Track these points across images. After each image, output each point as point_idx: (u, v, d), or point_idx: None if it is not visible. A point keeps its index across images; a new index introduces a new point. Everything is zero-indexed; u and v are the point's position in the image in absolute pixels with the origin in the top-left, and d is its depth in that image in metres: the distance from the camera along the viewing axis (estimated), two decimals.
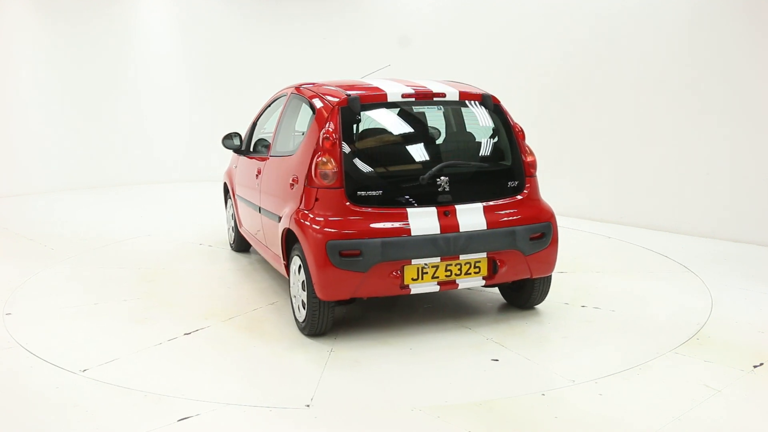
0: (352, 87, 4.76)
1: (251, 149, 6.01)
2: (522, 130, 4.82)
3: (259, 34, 11.60)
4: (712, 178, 7.34)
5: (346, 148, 4.35)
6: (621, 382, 3.84)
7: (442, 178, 4.39)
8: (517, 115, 8.91)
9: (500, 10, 9.10)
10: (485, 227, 4.39)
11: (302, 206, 4.42)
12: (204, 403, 3.60)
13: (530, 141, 8.79)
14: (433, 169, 4.40)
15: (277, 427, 3.40)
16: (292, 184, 4.63)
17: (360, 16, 10.90)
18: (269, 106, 6.02)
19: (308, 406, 3.59)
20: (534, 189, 4.71)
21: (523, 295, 4.94)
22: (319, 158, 4.31)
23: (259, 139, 5.97)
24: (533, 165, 4.74)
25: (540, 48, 8.71)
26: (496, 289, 5.26)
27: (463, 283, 4.42)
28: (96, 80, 10.66)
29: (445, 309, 5.06)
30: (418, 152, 4.70)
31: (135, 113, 11.18)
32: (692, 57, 7.38)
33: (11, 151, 9.97)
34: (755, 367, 4.05)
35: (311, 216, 4.30)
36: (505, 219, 4.49)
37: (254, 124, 6.15)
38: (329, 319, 4.41)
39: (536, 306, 5.02)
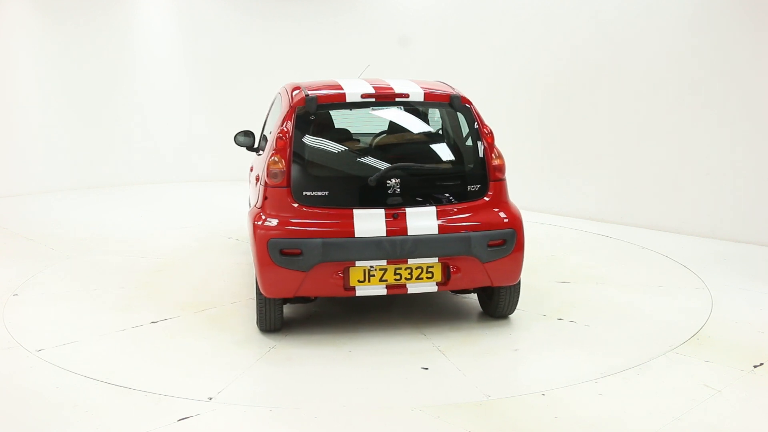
0: (321, 87, 4.73)
1: (258, 147, 6.03)
2: (491, 133, 4.61)
3: (260, 34, 11.59)
4: (712, 178, 7.34)
5: (297, 148, 4.36)
6: (621, 382, 3.85)
7: (393, 180, 4.29)
8: (517, 115, 8.98)
9: (501, 9, 9.10)
10: (436, 232, 4.25)
11: (258, 204, 4.52)
12: (204, 403, 3.61)
13: (531, 141, 8.90)
14: (381, 170, 4.30)
15: (277, 427, 3.40)
16: (256, 182, 4.76)
17: (360, 17, 10.90)
18: (273, 103, 6.05)
19: (210, 399, 3.67)
20: (499, 194, 4.52)
21: (491, 304, 4.76)
22: (271, 157, 4.36)
23: (262, 136, 5.99)
24: (500, 169, 4.54)
25: (541, 48, 8.71)
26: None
27: (414, 288, 4.31)
28: (96, 80, 10.64)
29: (414, 314, 4.94)
30: (370, 153, 4.66)
31: (135, 113, 11.17)
32: (693, 57, 7.37)
33: (11, 151, 9.96)
34: (755, 367, 4.05)
35: (260, 214, 4.36)
36: (460, 224, 4.32)
37: (264, 122, 6.19)
38: (277, 315, 4.46)
39: (509, 316, 4.82)
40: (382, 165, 4.36)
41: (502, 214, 4.45)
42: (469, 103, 4.67)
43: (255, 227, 4.30)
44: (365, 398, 3.72)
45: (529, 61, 8.83)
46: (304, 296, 4.38)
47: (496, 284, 4.45)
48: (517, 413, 3.50)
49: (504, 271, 4.42)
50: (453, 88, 4.84)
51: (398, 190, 4.29)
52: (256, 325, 4.65)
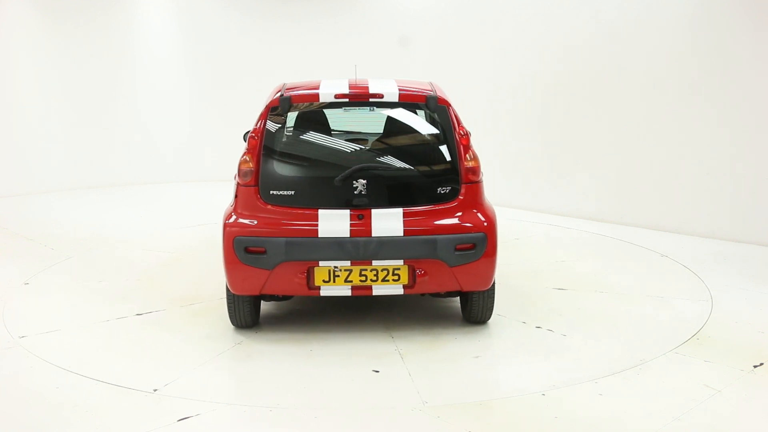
0: (303, 87, 4.74)
1: None
2: (467, 134, 4.49)
3: (260, 34, 11.59)
4: (712, 178, 7.34)
5: (267, 148, 4.40)
6: (621, 382, 3.85)
7: (359, 181, 4.26)
8: (518, 115, 8.98)
9: (501, 9, 9.10)
10: (401, 234, 4.20)
11: (231, 202, 4.54)
12: (204, 403, 3.61)
13: (531, 141, 8.90)
14: (347, 171, 4.28)
15: (277, 427, 3.40)
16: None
17: (360, 17, 10.90)
18: None
19: (155, 390, 3.75)
20: (472, 196, 4.41)
21: (466, 309, 4.68)
22: (242, 157, 4.41)
23: None
24: (473, 171, 4.42)
25: (541, 48, 8.71)
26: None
27: (379, 290, 4.27)
28: (96, 80, 10.64)
29: (391, 316, 4.89)
30: (338, 154, 4.66)
31: (135, 113, 11.17)
32: (693, 57, 7.37)
33: (11, 150, 9.96)
34: (755, 367, 4.05)
35: (231, 212, 4.41)
36: (427, 226, 4.25)
37: None
38: (247, 312, 4.51)
39: (487, 321, 4.71)
40: (350, 165, 4.34)
41: (471, 218, 4.34)
42: (447, 104, 4.56)
43: (224, 225, 4.35)
44: (298, 398, 3.73)
45: (529, 62, 8.83)
46: (275, 294, 4.41)
47: (465, 289, 4.37)
48: (517, 413, 3.50)
49: (474, 276, 4.31)
50: (434, 89, 4.71)
51: (364, 191, 4.26)
52: (243, 320, 4.71)
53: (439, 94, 4.64)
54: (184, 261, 6.37)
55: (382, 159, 4.50)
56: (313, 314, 4.95)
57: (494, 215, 4.49)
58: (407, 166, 4.48)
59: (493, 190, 8.72)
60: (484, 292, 4.48)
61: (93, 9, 10.55)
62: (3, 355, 4.26)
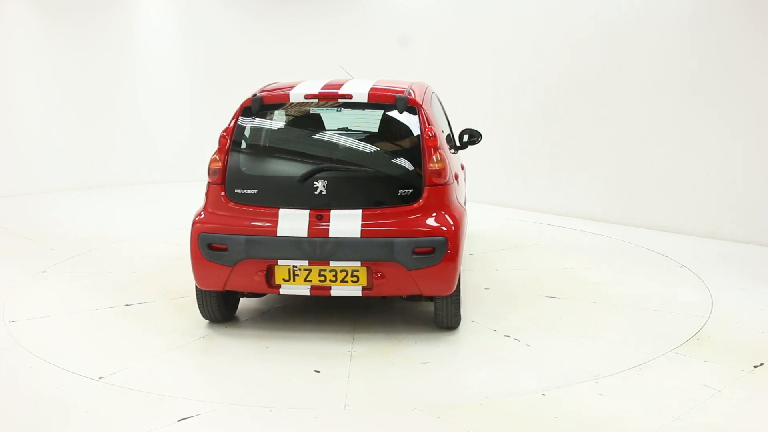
0: (282, 87, 4.79)
1: None
2: (434, 136, 4.41)
3: (260, 34, 11.59)
4: (712, 178, 7.34)
5: (235, 147, 4.49)
6: (621, 382, 3.85)
7: (321, 181, 4.28)
8: (518, 115, 8.98)
9: (502, 10, 9.10)
10: (359, 235, 4.17)
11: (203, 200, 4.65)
12: (204, 403, 3.61)
13: (532, 141, 8.90)
14: (307, 171, 4.31)
15: (277, 427, 3.40)
16: None
17: (360, 17, 10.90)
18: None
19: (101, 378, 3.89)
20: (436, 200, 4.31)
21: (434, 314, 4.61)
22: (213, 155, 4.50)
23: None
24: (438, 174, 4.33)
25: (542, 48, 8.71)
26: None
27: (338, 291, 4.27)
28: (96, 80, 10.65)
29: (365, 317, 4.86)
30: (302, 154, 4.66)
31: (135, 113, 11.18)
32: (693, 57, 7.38)
33: (11, 151, 9.96)
34: (755, 367, 4.05)
35: (201, 210, 4.53)
36: (384, 229, 4.20)
37: None
38: (215, 306, 4.61)
39: (457, 327, 4.63)
40: (313, 166, 4.36)
41: (432, 221, 4.25)
42: (418, 105, 4.50)
43: (192, 222, 4.47)
44: (224, 395, 3.79)
45: (530, 62, 8.83)
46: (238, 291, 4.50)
47: (426, 294, 4.29)
48: (518, 413, 3.50)
49: (433, 281, 4.22)
50: (412, 91, 4.63)
51: (325, 191, 4.26)
52: (212, 315, 4.81)
53: (413, 95, 4.56)
54: (184, 259, 6.37)
55: (344, 159, 4.51)
56: (291, 312, 5.00)
57: (461, 219, 4.40)
58: (369, 167, 4.45)
59: (494, 190, 8.81)
60: (447, 297, 4.39)
61: (93, 9, 10.55)
62: (3, 355, 4.26)
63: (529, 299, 5.26)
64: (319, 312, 4.97)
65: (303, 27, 11.30)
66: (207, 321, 4.76)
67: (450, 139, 6.06)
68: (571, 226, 7.84)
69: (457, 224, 4.33)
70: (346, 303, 5.05)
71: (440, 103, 6.05)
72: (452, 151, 5.88)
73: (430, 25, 9.91)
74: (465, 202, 6.79)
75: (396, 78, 5.74)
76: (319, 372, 4.01)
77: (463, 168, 6.93)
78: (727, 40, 7.08)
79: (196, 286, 4.51)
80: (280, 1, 11.51)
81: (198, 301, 4.63)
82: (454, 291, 4.36)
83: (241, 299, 5.00)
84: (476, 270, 6.02)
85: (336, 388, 3.80)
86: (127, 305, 5.14)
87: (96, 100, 10.69)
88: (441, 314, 4.50)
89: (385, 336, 4.53)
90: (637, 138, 7.93)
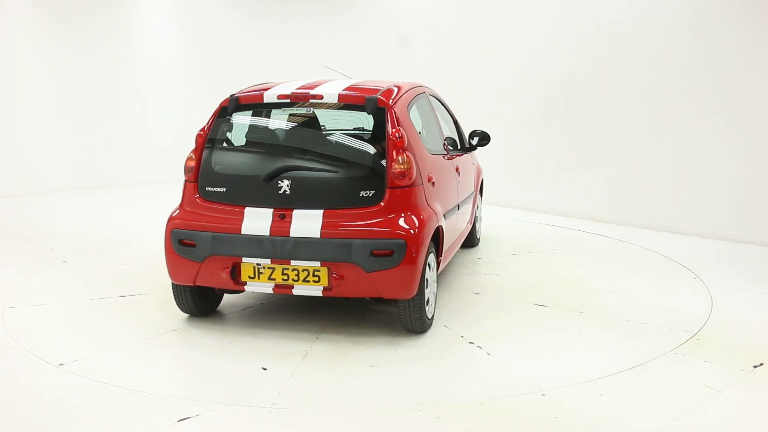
0: (262, 88, 4.85)
1: None
2: (401, 137, 4.35)
3: (259, 34, 11.59)
4: (712, 178, 7.34)
5: (209, 146, 4.61)
6: (621, 382, 3.85)
7: (285, 181, 4.32)
8: (518, 116, 8.97)
9: (504, 10, 9.10)
10: (318, 235, 4.19)
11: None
12: (204, 403, 3.61)
13: (533, 141, 8.89)
14: (271, 171, 4.35)
15: (277, 427, 3.40)
16: None
17: (360, 17, 10.90)
18: None
19: (61, 364, 4.05)
20: (399, 202, 4.27)
21: (398, 317, 4.54)
22: (189, 154, 4.63)
23: None
24: (402, 176, 4.28)
25: (541, 49, 8.71)
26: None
27: (300, 290, 4.31)
28: (96, 80, 10.65)
29: (340, 317, 4.87)
30: (270, 154, 4.70)
31: (135, 113, 11.18)
32: (693, 58, 7.38)
33: (11, 151, 9.96)
34: (755, 367, 4.05)
35: (177, 207, 4.65)
36: (343, 229, 4.19)
37: None
38: (189, 300, 4.71)
39: (426, 332, 4.56)
40: (279, 165, 4.40)
41: (393, 223, 4.21)
42: (388, 106, 4.47)
43: (168, 218, 4.60)
44: (164, 387, 3.84)
45: (531, 62, 8.83)
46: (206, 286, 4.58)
47: (386, 296, 4.26)
48: (517, 413, 3.50)
49: (392, 284, 4.20)
50: (382, 93, 4.57)
51: (289, 191, 4.31)
52: (189, 308, 4.91)
53: (384, 97, 4.51)
54: None
55: (308, 160, 4.53)
56: (271, 309, 5.07)
57: (425, 223, 4.34)
58: (333, 167, 4.45)
59: (495, 190, 8.79)
60: (409, 301, 4.33)
61: (93, 9, 10.55)
62: (3, 355, 4.26)
63: (516, 307, 5.10)
64: (299, 310, 5.00)
65: (303, 27, 11.30)
66: (187, 315, 4.87)
67: (453, 140, 6.05)
68: (571, 226, 7.84)
69: (421, 227, 4.28)
70: (329, 302, 5.08)
71: (442, 104, 6.02)
72: (456, 152, 5.86)
73: (432, 25, 9.91)
74: (478, 207, 6.74)
75: (394, 78, 5.72)
76: (265, 369, 4.04)
77: (479, 172, 6.84)
78: (727, 41, 7.08)
79: (171, 281, 4.66)
80: (280, 2, 11.51)
81: (174, 295, 4.75)
82: (416, 295, 4.31)
83: (226, 295, 5.08)
84: (477, 274, 5.98)
85: (271, 386, 3.81)
86: (121, 296, 5.33)
87: (96, 100, 10.69)
88: (404, 318, 4.44)
89: (349, 337, 4.52)
90: (638, 138, 7.93)
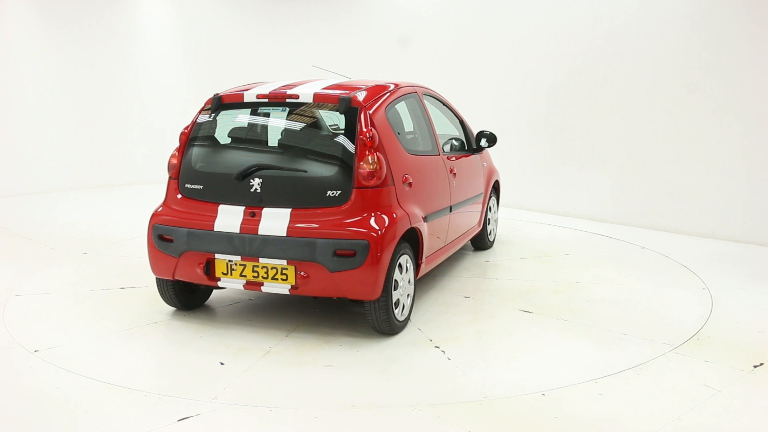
0: (247, 87, 4.94)
1: None
2: (371, 137, 4.33)
3: (260, 35, 11.60)
4: (712, 178, 7.34)
5: (190, 144, 4.73)
6: (621, 382, 3.85)
7: (256, 179, 4.40)
8: (518, 116, 8.98)
9: (507, 11, 9.11)
10: (284, 234, 4.23)
11: None
12: (204, 403, 3.61)
13: (535, 142, 8.90)
14: (242, 170, 4.43)
15: (277, 427, 3.40)
16: None
17: (360, 17, 10.90)
18: None
19: (36, 351, 4.24)
20: (367, 202, 4.26)
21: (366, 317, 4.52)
22: (173, 152, 4.76)
23: None
24: (369, 176, 4.28)
25: (542, 49, 8.72)
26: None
27: (269, 288, 4.36)
28: (96, 80, 10.66)
29: (319, 316, 4.89)
30: (244, 153, 4.75)
31: (135, 113, 11.19)
32: (693, 58, 7.38)
33: (11, 151, 9.97)
34: (755, 367, 4.05)
35: (162, 203, 4.79)
36: (308, 229, 4.22)
37: None
38: (171, 293, 4.84)
39: (396, 334, 4.53)
40: (251, 164, 4.48)
41: (358, 224, 4.21)
42: (361, 106, 4.46)
43: (151, 214, 4.73)
44: (115, 376, 3.92)
45: (533, 63, 8.84)
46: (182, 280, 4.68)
47: (350, 297, 4.27)
48: (517, 413, 3.50)
49: (355, 284, 4.20)
50: (358, 93, 4.56)
51: (260, 189, 4.39)
52: (172, 302, 4.99)
53: (359, 97, 4.50)
54: None
55: (279, 159, 4.58)
56: (258, 306, 5.13)
57: (394, 224, 4.31)
58: (302, 167, 4.44)
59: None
60: (374, 302, 4.32)
61: (93, 10, 10.56)
62: (3, 355, 4.26)
63: (500, 312, 4.98)
64: (282, 307, 5.05)
65: (304, 27, 11.31)
66: (174, 308, 4.99)
67: (460, 141, 6.02)
68: (572, 226, 7.84)
69: (387, 229, 4.25)
70: (315, 301, 5.14)
71: (445, 105, 5.97)
72: (459, 153, 5.84)
73: (433, 26, 9.91)
74: (490, 209, 6.64)
75: (394, 78, 5.72)
76: (223, 364, 4.09)
77: (491, 173, 6.67)
78: (727, 42, 7.09)
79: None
80: (281, 3, 11.51)
81: (158, 289, 4.88)
82: (381, 297, 4.29)
83: (220, 290, 5.17)
84: (477, 277, 5.90)
85: (220, 381, 3.86)
86: (121, 288, 5.53)
87: (96, 100, 10.70)
88: (371, 319, 4.42)
89: (318, 336, 4.53)
90: (637, 138, 7.94)
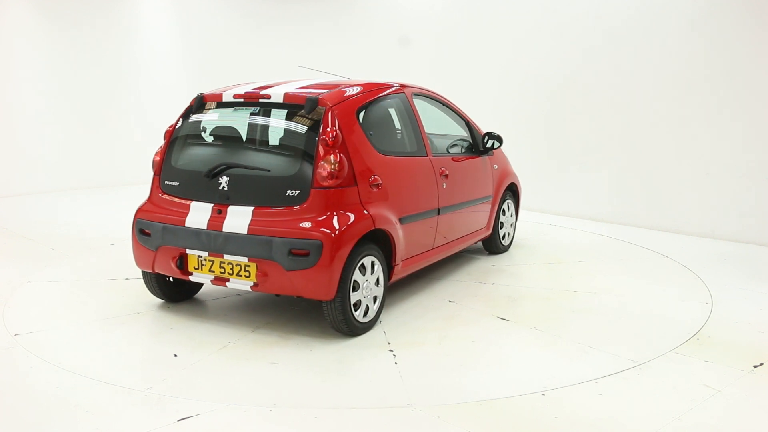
0: (226, 87, 5.09)
1: None
2: (334, 138, 4.33)
3: (260, 36, 11.60)
4: (712, 178, 7.34)
5: (172, 142, 4.90)
6: (621, 382, 3.85)
7: (224, 178, 4.51)
8: (518, 116, 8.97)
9: (508, 11, 9.10)
10: (245, 231, 4.33)
11: None
12: (204, 403, 3.61)
13: (535, 142, 8.89)
14: (210, 168, 4.56)
15: (277, 427, 3.40)
16: None
17: (359, 17, 10.90)
18: None
19: (17, 334, 4.47)
20: (326, 202, 4.27)
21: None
22: (157, 149, 4.93)
23: None
24: (328, 177, 4.28)
25: (541, 49, 8.72)
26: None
27: (234, 284, 4.47)
28: (96, 80, 10.66)
29: (305, 315, 4.90)
30: (216, 151, 4.82)
31: (135, 113, 11.19)
32: (693, 59, 7.38)
33: (11, 151, 9.96)
34: (755, 367, 4.05)
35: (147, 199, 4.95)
36: (266, 227, 4.29)
37: None
38: (155, 286, 5.00)
39: (355, 335, 4.51)
40: (218, 163, 4.60)
41: (310, 224, 4.23)
42: (327, 106, 4.47)
43: (137, 209, 4.91)
44: (72, 361, 4.08)
45: (534, 64, 8.83)
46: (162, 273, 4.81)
47: (305, 296, 4.30)
48: (517, 413, 3.50)
49: (310, 284, 4.23)
50: (328, 93, 4.56)
51: (227, 187, 4.50)
52: (157, 293, 5.12)
53: (327, 97, 4.50)
54: None
55: (246, 158, 4.69)
56: (242, 301, 5.20)
57: (351, 225, 4.30)
58: (266, 166, 4.52)
59: None
60: (330, 302, 4.33)
61: (94, 10, 10.56)
62: (3, 355, 4.26)
63: (476, 318, 4.86)
64: (264, 305, 5.11)
65: (304, 27, 11.31)
66: (161, 300, 5.15)
67: (468, 143, 5.99)
68: (572, 226, 7.84)
69: (344, 230, 4.26)
70: (299, 299, 5.14)
71: (446, 105, 5.94)
72: (460, 155, 5.81)
73: (435, 26, 9.91)
74: (504, 213, 6.49)
75: (394, 79, 5.72)
76: (176, 356, 4.19)
77: (504, 175, 6.49)
78: (727, 42, 7.09)
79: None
80: (282, 3, 11.51)
81: (143, 280, 5.07)
82: (337, 297, 4.30)
83: (212, 285, 5.12)
84: (474, 282, 5.77)
85: (162, 373, 3.95)
86: (126, 279, 5.74)
87: (96, 100, 10.70)
88: (329, 319, 4.43)
89: (280, 334, 4.56)
90: (637, 138, 7.94)
